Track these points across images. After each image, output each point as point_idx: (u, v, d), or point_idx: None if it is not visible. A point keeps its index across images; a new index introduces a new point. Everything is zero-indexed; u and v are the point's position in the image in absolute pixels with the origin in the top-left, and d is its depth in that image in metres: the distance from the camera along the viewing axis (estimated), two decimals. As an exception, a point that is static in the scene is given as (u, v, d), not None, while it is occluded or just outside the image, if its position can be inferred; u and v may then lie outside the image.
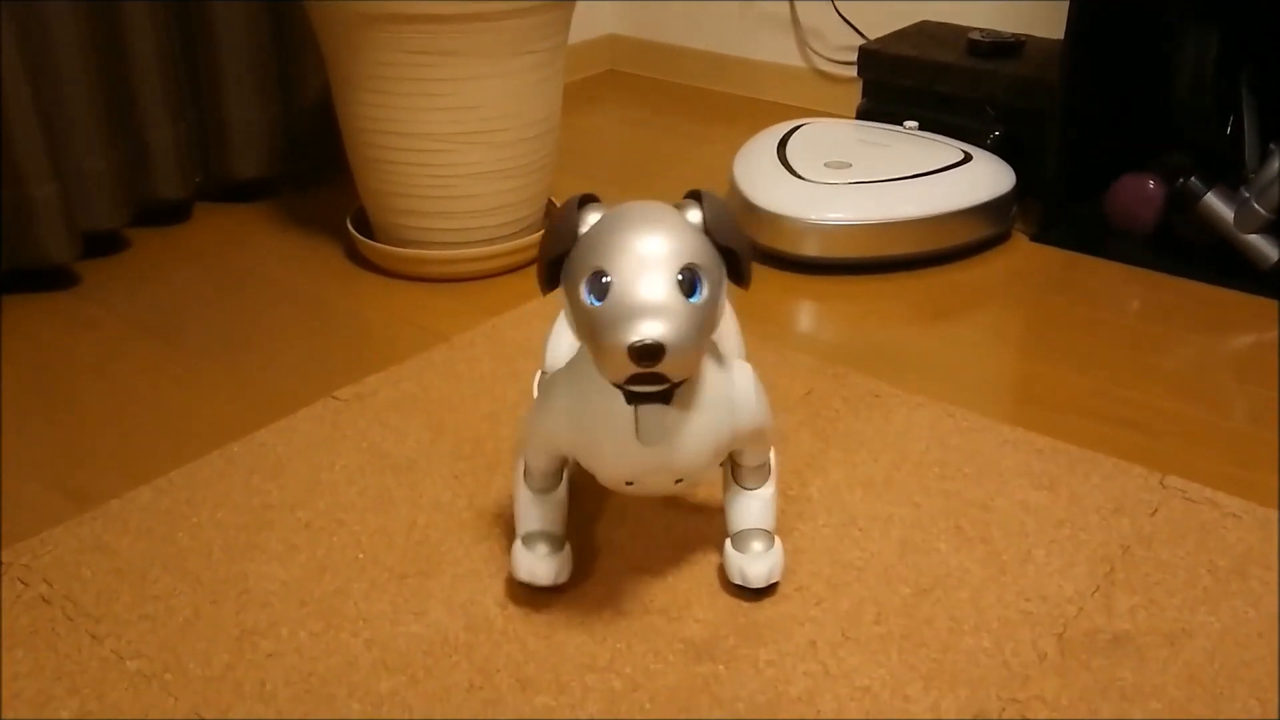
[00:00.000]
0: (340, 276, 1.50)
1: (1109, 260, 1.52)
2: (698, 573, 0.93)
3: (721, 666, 0.84)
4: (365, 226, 1.54)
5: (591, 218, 0.74)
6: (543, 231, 0.71)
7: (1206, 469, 1.06)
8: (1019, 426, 1.13)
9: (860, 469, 1.06)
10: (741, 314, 1.00)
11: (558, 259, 0.74)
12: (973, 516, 0.99)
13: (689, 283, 0.70)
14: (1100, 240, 1.56)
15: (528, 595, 0.91)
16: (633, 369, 0.69)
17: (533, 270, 1.51)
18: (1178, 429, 1.13)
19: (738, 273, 0.76)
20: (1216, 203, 1.45)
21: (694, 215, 0.74)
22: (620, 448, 0.78)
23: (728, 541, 0.91)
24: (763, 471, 0.90)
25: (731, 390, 0.80)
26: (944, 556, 0.94)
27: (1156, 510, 1.00)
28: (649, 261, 0.70)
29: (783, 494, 1.03)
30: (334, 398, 1.20)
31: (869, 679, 0.82)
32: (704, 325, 0.72)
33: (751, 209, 1.51)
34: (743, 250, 0.75)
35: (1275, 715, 0.74)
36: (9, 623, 0.90)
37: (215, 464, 1.09)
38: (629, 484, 0.81)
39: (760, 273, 1.49)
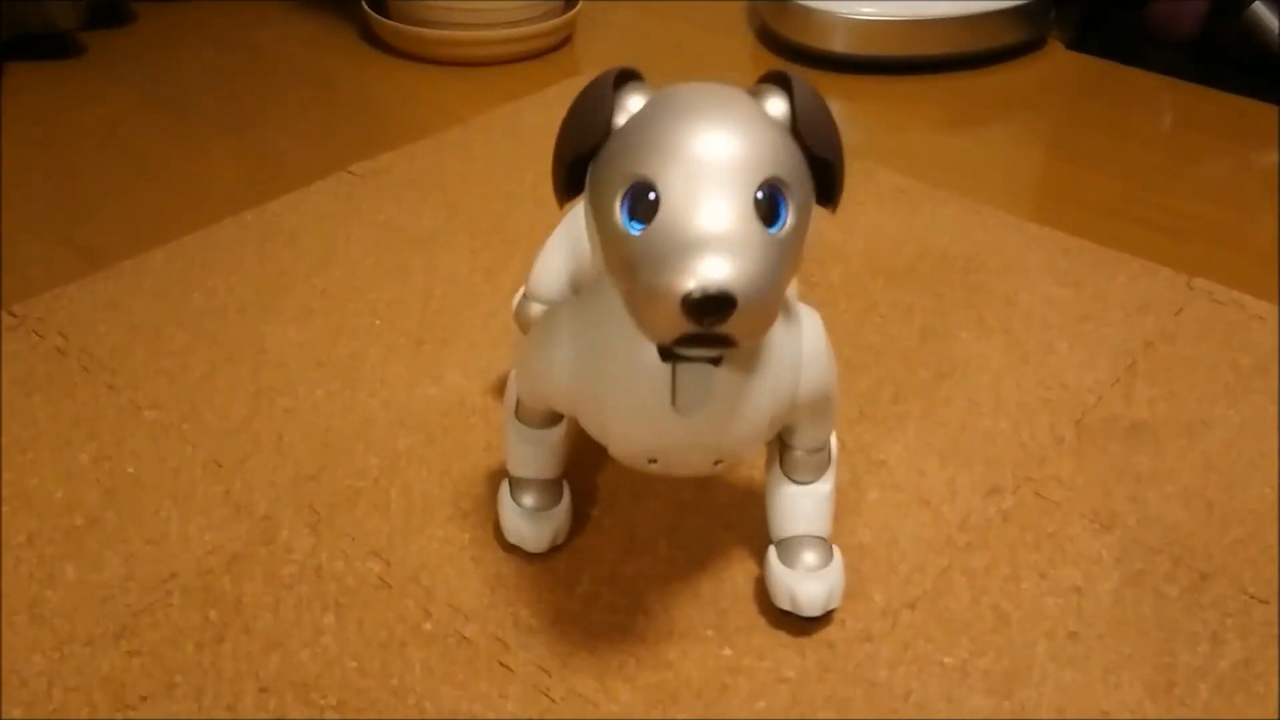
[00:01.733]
0: (355, 56, 1.46)
1: (1147, 71, 1.47)
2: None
3: (738, 438, 0.84)
4: (381, 6, 1.49)
5: (633, 103, 0.51)
6: (565, 115, 0.53)
7: (1235, 273, 1.05)
8: (1046, 225, 1.11)
9: (883, 259, 1.05)
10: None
11: (582, 158, 0.52)
12: (995, 309, 0.98)
13: (770, 205, 0.49)
14: (1139, 50, 1.51)
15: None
16: (687, 327, 0.47)
17: (553, 57, 1.47)
18: (1208, 234, 1.11)
19: (828, 190, 0.54)
20: (1264, 11, 1.39)
21: (775, 106, 0.52)
22: (647, 416, 0.57)
23: (771, 551, 0.69)
24: (821, 459, 0.68)
25: (798, 345, 0.59)
26: (965, 344, 0.94)
27: (1182, 310, 0.99)
28: (716, 172, 0.48)
29: (802, 281, 1.01)
30: (348, 172, 1.18)
31: (885, 454, 0.82)
32: (787, 266, 0.50)
33: (779, 0, 1.45)
34: (838, 160, 0.53)
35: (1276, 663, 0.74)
36: (25, 371, 0.89)
37: (228, 231, 1.08)
38: (652, 461, 0.61)
39: (785, 67, 1.44)
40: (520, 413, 0.70)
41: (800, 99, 0.51)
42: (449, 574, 0.73)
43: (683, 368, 0.56)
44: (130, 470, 0.80)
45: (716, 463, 0.61)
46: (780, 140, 0.50)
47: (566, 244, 0.74)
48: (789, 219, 0.50)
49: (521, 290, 0.79)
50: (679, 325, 0.47)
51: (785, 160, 0.50)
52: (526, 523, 0.72)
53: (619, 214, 0.49)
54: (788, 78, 0.52)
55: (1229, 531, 0.76)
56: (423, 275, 1.01)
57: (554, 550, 0.74)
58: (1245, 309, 0.99)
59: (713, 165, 0.48)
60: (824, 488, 0.68)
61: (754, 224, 0.48)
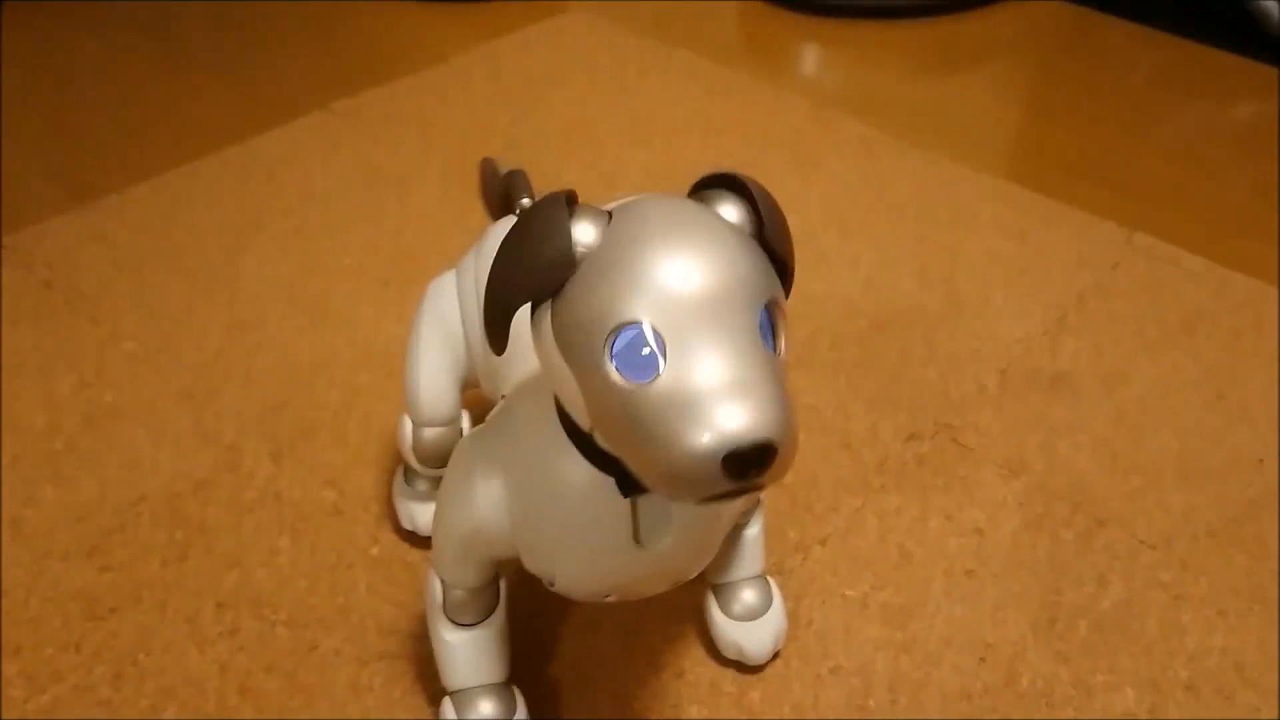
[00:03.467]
0: (343, -9, 1.49)
1: (1122, 19, 1.49)
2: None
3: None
4: (369, -60, 1.51)
5: (582, 232, 0.44)
6: (506, 249, 0.45)
7: (1176, 230, 1.08)
8: (1002, 179, 1.15)
9: (836, 209, 1.09)
10: (739, 52, 1.00)
11: (535, 300, 0.45)
12: (939, 260, 1.02)
13: (769, 329, 0.43)
14: (1118, -2, 1.52)
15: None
16: (726, 485, 0.41)
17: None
18: (1157, 191, 1.15)
19: (783, 287, 0.47)
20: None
21: (730, 213, 0.46)
22: (607, 554, 0.52)
23: (709, 599, 0.69)
24: (752, 501, 0.67)
25: None
26: (905, 294, 0.98)
27: (1118, 265, 1.03)
28: (719, 308, 0.42)
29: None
30: (329, 110, 1.22)
31: (815, 399, 0.87)
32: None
33: (763, -56, 1.47)
34: (793, 260, 0.48)
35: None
36: (12, 302, 0.95)
37: (211, 166, 1.13)
38: (607, 596, 0.56)
39: (761, 11, 1.47)
40: (450, 610, 0.61)
41: (763, 205, 0.46)
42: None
43: (644, 501, 0.51)
44: (108, 399, 0.86)
45: (675, 582, 0.56)
46: (757, 255, 0.44)
47: (438, 351, 0.68)
48: (783, 336, 0.44)
49: (406, 422, 0.70)
50: (716, 485, 0.41)
51: (769, 276, 0.44)
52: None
53: (608, 366, 0.42)
54: (741, 182, 0.46)
55: (1129, 481, 0.81)
56: (395, 216, 1.06)
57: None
58: (1181, 266, 1.03)
59: (713, 301, 0.42)
60: (754, 530, 0.68)
61: (765, 356, 0.42)
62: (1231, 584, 0.74)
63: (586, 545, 0.52)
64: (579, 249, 0.43)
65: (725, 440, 0.39)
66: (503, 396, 0.58)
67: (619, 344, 0.41)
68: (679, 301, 0.41)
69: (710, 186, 0.47)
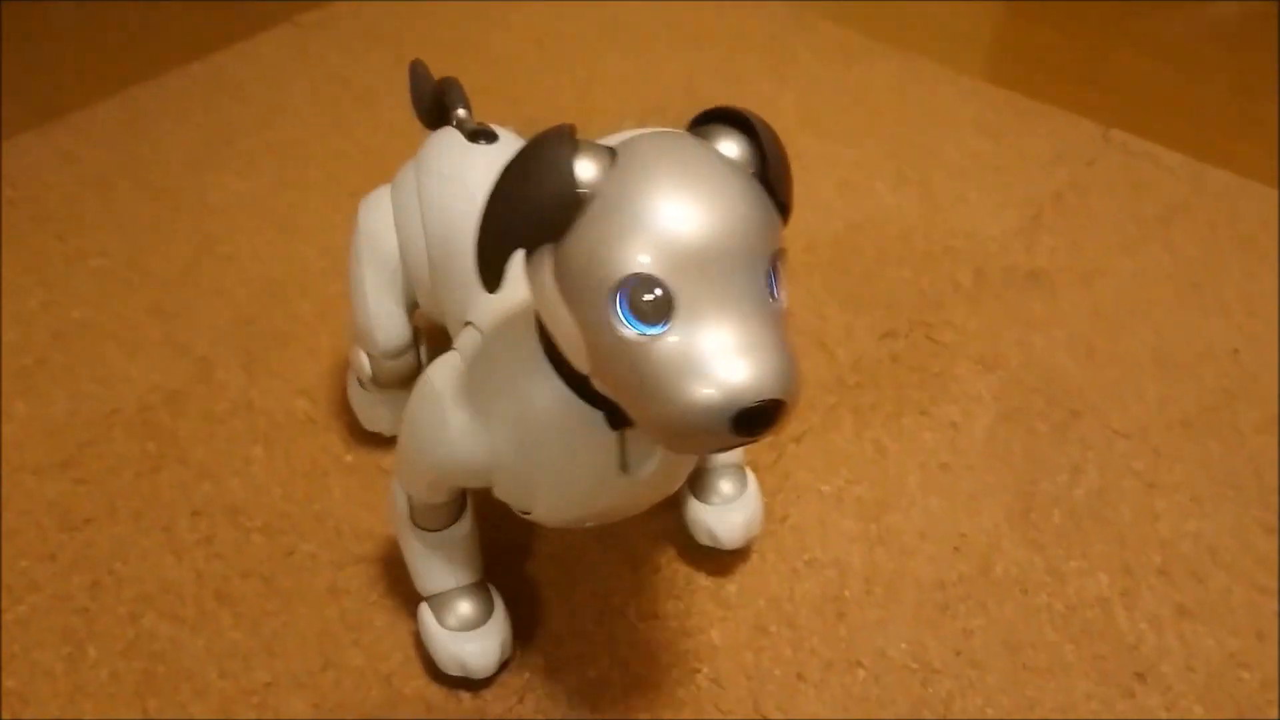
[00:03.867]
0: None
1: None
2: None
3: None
4: None
5: (583, 170, 0.41)
6: (503, 185, 0.43)
7: (1153, 126, 1.07)
8: (980, 80, 1.13)
9: (814, 113, 1.07)
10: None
11: (534, 243, 0.43)
12: (915, 160, 1.01)
13: (774, 278, 0.42)
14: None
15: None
16: (733, 440, 0.40)
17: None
18: (1136, 89, 1.14)
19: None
20: None
21: (730, 149, 0.44)
22: (592, 484, 0.51)
23: (685, 486, 0.69)
24: None
25: None
26: (881, 195, 0.97)
27: (1094, 161, 1.02)
28: (731, 261, 0.40)
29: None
30: (295, 23, 1.19)
31: (790, 300, 0.87)
32: None
33: None
34: (790, 201, 0.45)
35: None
36: (-22, 221, 0.94)
37: (178, 81, 1.11)
38: (586, 524, 0.55)
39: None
40: (417, 516, 0.60)
41: (768, 145, 0.43)
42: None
43: (632, 433, 0.49)
44: (77, 315, 0.85)
45: (653, 503, 0.55)
46: (765, 201, 0.42)
47: (385, 277, 0.66)
48: (785, 286, 0.43)
49: (361, 353, 0.70)
50: (722, 441, 0.40)
51: (775, 224, 0.43)
52: (466, 645, 0.61)
53: (615, 314, 0.40)
54: (746, 118, 0.44)
55: (1105, 373, 0.81)
56: (364, 127, 1.05)
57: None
58: (1158, 161, 1.02)
59: (725, 255, 0.40)
60: None
61: (772, 310, 0.41)
62: (1205, 471, 0.74)
63: (572, 476, 0.50)
64: (582, 190, 0.41)
65: (735, 398, 0.39)
66: (468, 324, 0.54)
67: (627, 294, 0.40)
68: (690, 253, 0.40)
69: (711, 120, 0.45)
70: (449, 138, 0.65)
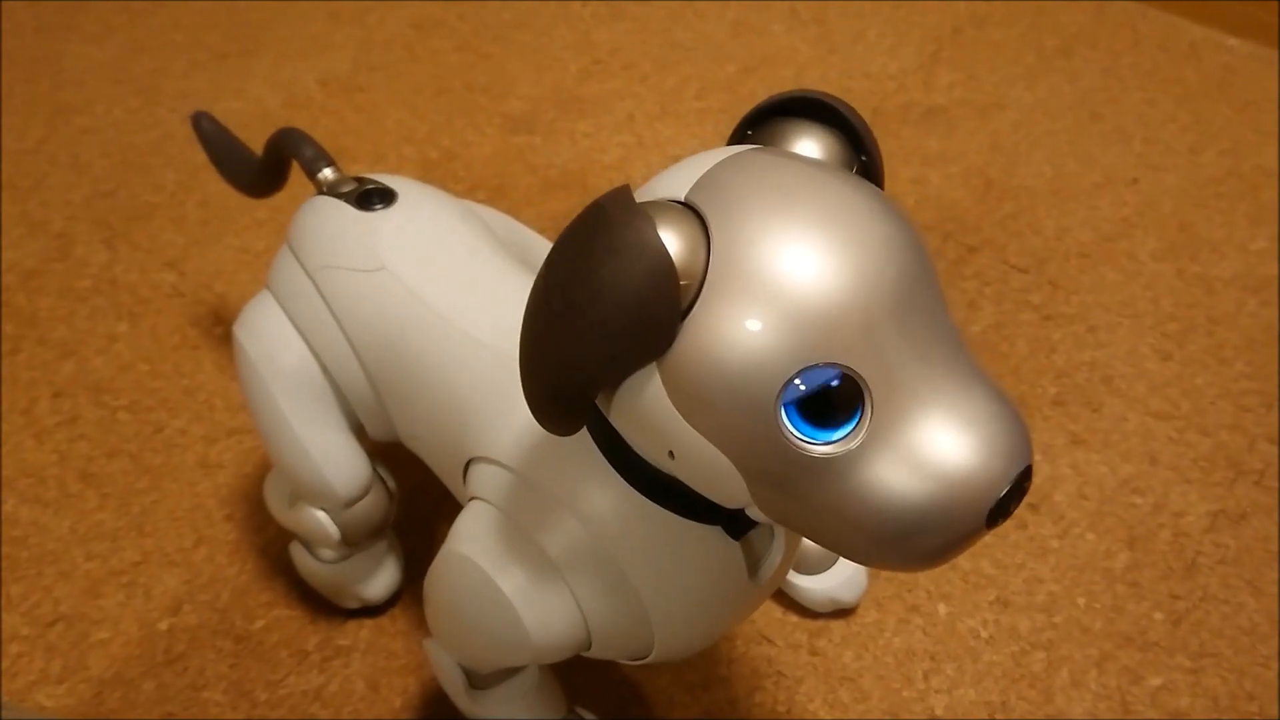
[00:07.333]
0: None
1: None
2: (525, 52, 0.92)
3: (538, 138, 0.84)
4: None
5: (674, 248, 0.30)
6: (546, 293, 0.30)
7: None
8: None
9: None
10: None
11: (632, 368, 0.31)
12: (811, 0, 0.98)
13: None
14: None
15: (349, 75, 0.90)
16: (979, 537, 0.31)
17: None
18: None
19: None
20: None
21: (811, 149, 0.34)
22: (723, 604, 0.41)
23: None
24: None
25: None
26: (775, 37, 0.93)
27: (996, -7, 0.99)
28: (909, 301, 0.30)
29: (621, -23, 0.99)
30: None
31: (680, 149, 0.84)
32: None
33: None
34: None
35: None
36: None
37: (24, -54, 1.03)
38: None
39: None
40: (476, 680, 0.49)
41: (868, 138, 0.34)
42: (243, 280, 0.74)
43: (756, 535, 0.40)
44: (-78, 194, 0.80)
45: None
46: (896, 212, 0.31)
47: (310, 402, 0.50)
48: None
49: (312, 512, 0.53)
50: (972, 540, 0.31)
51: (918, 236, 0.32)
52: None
53: (786, 430, 0.29)
54: (835, 109, 0.34)
55: (1002, 207, 0.79)
56: (228, -14, 0.99)
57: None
58: (1060, -9, 0.99)
59: (903, 303, 0.29)
60: None
61: (966, 348, 0.31)
62: (1101, 300, 0.73)
63: (700, 603, 0.40)
64: (682, 280, 0.29)
65: (994, 485, 0.29)
66: (481, 461, 0.42)
67: (795, 397, 0.29)
68: (864, 315, 0.29)
69: (769, 115, 0.34)
70: (328, 213, 0.49)
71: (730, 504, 0.33)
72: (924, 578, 0.59)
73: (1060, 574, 0.60)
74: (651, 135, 0.84)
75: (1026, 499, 0.62)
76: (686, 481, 0.33)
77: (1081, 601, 0.59)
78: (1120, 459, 0.64)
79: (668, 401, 0.30)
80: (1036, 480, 0.63)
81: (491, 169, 0.82)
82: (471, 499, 0.42)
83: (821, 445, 0.29)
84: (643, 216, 0.29)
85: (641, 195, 0.32)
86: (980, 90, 0.88)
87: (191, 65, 0.90)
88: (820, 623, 0.58)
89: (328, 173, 0.52)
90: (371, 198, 0.49)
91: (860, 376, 0.29)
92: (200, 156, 0.80)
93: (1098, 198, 0.80)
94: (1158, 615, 0.58)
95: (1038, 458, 0.64)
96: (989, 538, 0.60)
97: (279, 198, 0.60)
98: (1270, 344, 0.70)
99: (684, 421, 0.30)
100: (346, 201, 0.49)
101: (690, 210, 0.30)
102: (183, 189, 0.80)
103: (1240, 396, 0.67)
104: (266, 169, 0.56)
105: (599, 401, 0.33)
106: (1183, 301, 0.73)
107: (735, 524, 0.38)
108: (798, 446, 0.29)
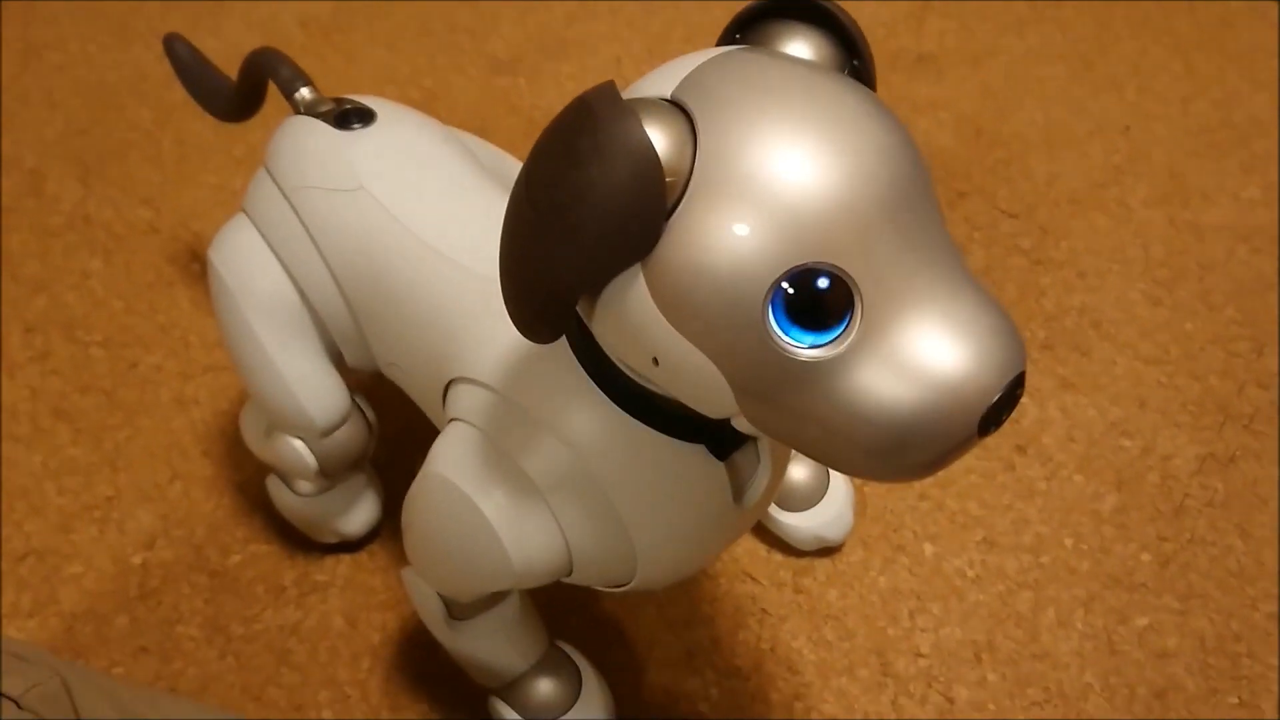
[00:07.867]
0: None
1: None
2: (509, -6, 0.90)
3: (522, 80, 0.83)
4: None
5: (660, 144, 0.28)
6: (527, 192, 0.29)
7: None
8: None
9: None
10: None
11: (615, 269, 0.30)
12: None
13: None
14: None
15: (330, 15, 0.88)
16: (971, 445, 0.29)
17: None
18: None
19: None
20: None
21: (802, 51, 0.32)
22: (706, 528, 0.40)
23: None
24: None
25: None
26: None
27: (988, -58, 0.97)
28: (904, 203, 0.29)
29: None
30: None
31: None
32: None
33: None
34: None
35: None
36: None
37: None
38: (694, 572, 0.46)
39: None
40: (455, 610, 0.47)
41: (862, 45, 0.32)
42: (220, 217, 0.72)
43: (740, 457, 0.39)
44: (-110, 129, 0.78)
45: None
46: (882, 107, 0.30)
47: (287, 329, 0.49)
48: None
49: (289, 441, 0.51)
50: (964, 449, 0.29)
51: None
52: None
53: (774, 332, 0.28)
54: (828, 10, 0.32)
55: (992, 153, 0.78)
56: (206, -76, 0.96)
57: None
58: (1052, -59, 0.98)
59: (897, 197, 0.28)
60: None
61: (959, 253, 0.30)
62: (1091, 246, 0.72)
63: (682, 526, 0.39)
64: (668, 178, 0.28)
65: (986, 391, 0.28)
66: (461, 381, 0.41)
67: (782, 299, 0.28)
68: (855, 213, 0.28)
69: (759, 17, 0.32)
70: (305, 133, 0.48)
71: (715, 414, 0.31)
72: (910, 517, 0.59)
73: (1048, 515, 0.59)
74: (635, 72, 0.83)
75: (1014, 441, 0.62)
76: (671, 390, 0.32)
77: (1069, 543, 0.58)
78: (1109, 402, 0.64)
79: (652, 305, 0.29)
80: (1025, 423, 0.63)
81: (474, 110, 0.80)
82: (451, 420, 0.41)
83: (809, 349, 0.28)
84: (629, 113, 0.28)
85: (628, 94, 0.30)
86: (971, 38, 0.87)
87: (167, 4, 0.89)
88: (805, 561, 0.57)
89: (305, 93, 0.50)
90: (350, 117, 0.48)
91: (850, 278, 0.28)
92: (177, 95, 0.79)
93: (1089, 145, 0.79)
94: (1145, 557, 0.58)
95: (1026, 400, 0.64)
96: (976, 478, 0.60)
97: (257, 134, 0.59)
98: (1260, 291, 0.69)
99: (669, 325, 0.29)
100: (324, 121, 0.48)
101: (677, 108, 0.29)
102: (158, 126, 0.78)
103: (1230, 342, 0.67)
104: (242, 91, 0.55)
105: (580, 309, 0.32)
106: (1173, 248, 0.72)
107: (720, 443, 0.37)
108: (785, 349, 0.28)
